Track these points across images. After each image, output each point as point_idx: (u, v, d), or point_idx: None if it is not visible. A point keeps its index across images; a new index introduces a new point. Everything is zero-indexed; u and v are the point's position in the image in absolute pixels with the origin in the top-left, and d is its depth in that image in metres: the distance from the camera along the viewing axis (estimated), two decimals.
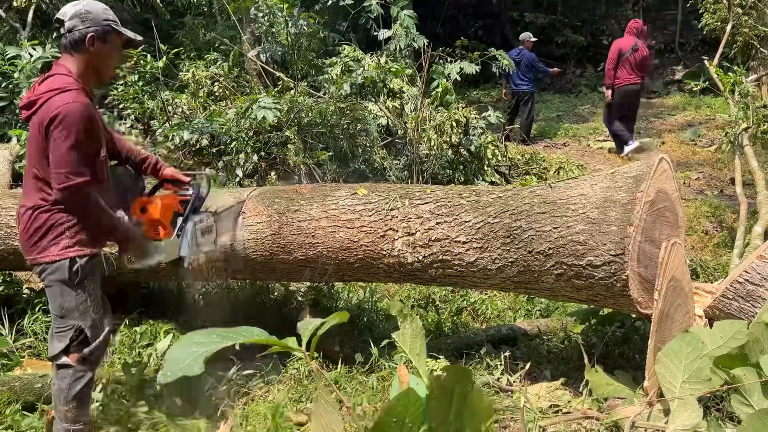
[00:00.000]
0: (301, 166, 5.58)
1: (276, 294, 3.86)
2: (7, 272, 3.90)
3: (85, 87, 2.36)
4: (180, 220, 2.76)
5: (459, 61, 6.02)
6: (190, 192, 2.85)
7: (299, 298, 3.76)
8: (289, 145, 5.64)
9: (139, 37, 2.58)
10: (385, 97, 6.46)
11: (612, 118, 8.11)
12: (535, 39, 9.30)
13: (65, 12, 2.37)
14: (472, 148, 6.22)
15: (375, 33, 6.58)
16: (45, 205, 2.33)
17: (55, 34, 7.80)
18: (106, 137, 2.50)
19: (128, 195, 2.74)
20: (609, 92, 7.99)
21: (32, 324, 3.53)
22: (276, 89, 6.40)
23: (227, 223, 3.13)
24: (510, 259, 2.82)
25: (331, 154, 5.73)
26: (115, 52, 2.48)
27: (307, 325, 1.65)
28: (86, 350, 2.42)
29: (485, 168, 6.40)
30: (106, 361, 3.29)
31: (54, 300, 2.41)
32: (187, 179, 2.88)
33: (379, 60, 6.33)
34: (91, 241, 2.41)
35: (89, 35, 2.34)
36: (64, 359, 2.42)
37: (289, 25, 6.89)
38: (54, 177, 2.25)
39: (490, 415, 1.41)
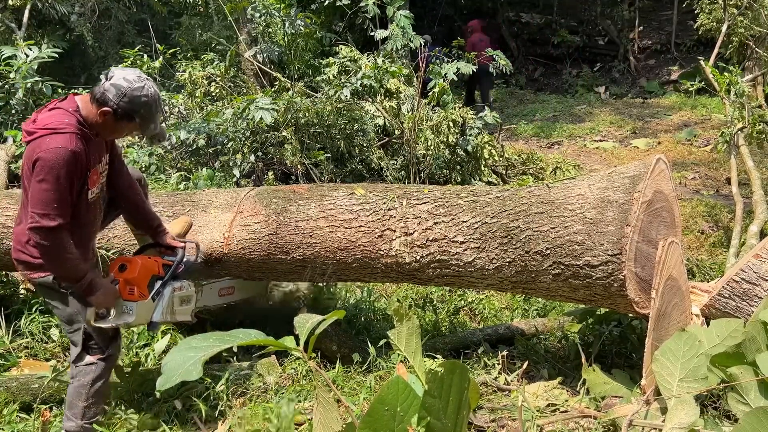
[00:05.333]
0: (298, 166, 5.58)
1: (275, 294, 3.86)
2: (4, 273, 3.88)
3: (84, 129, 2.36)
4: (158, 283, 2.66)
5: (456, 61, 6.01)
6: (176, 257, 2.76)
7: (298, 298, 3.76)
8: (286, 145, 5.63)
9: (164, 133, 2.62)
10: (382, 97, 6.45)
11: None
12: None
13: (117, 73, 2.37)
14: (469, 148, 6.22)
15: (371, 33, 6.56)
16: None
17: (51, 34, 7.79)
18: (102, 182, 2.52)
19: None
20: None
21: (29, 324, 3.52)
22: (273, 89, 6.40)
23: (210, 296, 3.06)
24: (507, 259, 2.82)
25: (328, 155, 5.73)
26: (121, 131, 2.51)
27: (304, 321, 1.66)
28: (107, 351, 2.54)
29: (482, 168, 6.39)
30: None
31: (56, 310, 2.54)
32: (180, 245, 2.83)
33: (376, 60, 6.33)
34: None
35: (105, 109, 2.35)
36: (88, 358, 2.52)
37: (286, 25, 6.89)
38: (29, 214, 2.29)
39: (476, 395, 1.43)
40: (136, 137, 5.42)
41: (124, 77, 2.36)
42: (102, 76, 2.42)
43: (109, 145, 2.59)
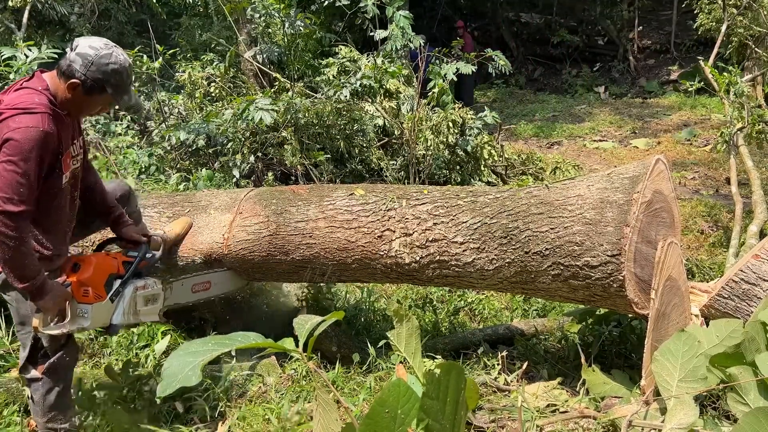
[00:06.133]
0: (298, 166, 5.58)
1: (274, 294, 3.86)
2: None
3: (56, 109, 2.19)
4: (118, 283, 2.45)
5: (455, 61, 6.02)
6: (139, 253, 2.55)
7: (296, 299, 3.76)
8: (285, 146, 5.64)
9: (139, 104, 2.46)
10: (382, 97, 6.46)
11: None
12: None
13: (81, 42, 2.22)
14: (469, 148, 6.23)
15: (371, 33, 6.57)
16: None
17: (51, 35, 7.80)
18: (74, 167, 2.34)
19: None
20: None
21: None
22: (272, 90, 6.40)
23: (181, 293, 2.86)
24: (507, 260, 2.82)
25: (328, 155, 5.73)
26: (93, 106, 2.33)
27: (304, 323, 1.66)
28: (51, 360, 2.36)
29: (482, 168, 6.40)
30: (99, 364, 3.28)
31: (11, 308, 2.38)
32: (143, 240, 2.62)
33: (375, 61, 6.33)
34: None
35: (73, 81, 2.18)
36: (33, 372, 2.37)
37: (286, 25, 6.89)
38: None
39: (476, 395, 1.43)
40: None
41: (89, 45, 2.20)
42: (68, 49, 2.22)
43: (79, 125, 2.41)
